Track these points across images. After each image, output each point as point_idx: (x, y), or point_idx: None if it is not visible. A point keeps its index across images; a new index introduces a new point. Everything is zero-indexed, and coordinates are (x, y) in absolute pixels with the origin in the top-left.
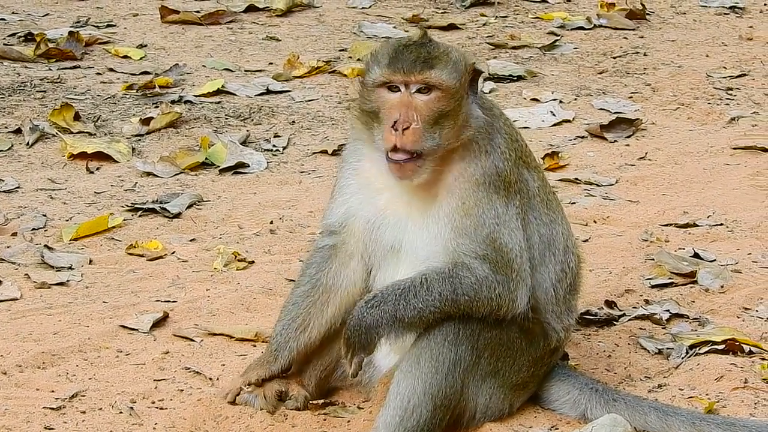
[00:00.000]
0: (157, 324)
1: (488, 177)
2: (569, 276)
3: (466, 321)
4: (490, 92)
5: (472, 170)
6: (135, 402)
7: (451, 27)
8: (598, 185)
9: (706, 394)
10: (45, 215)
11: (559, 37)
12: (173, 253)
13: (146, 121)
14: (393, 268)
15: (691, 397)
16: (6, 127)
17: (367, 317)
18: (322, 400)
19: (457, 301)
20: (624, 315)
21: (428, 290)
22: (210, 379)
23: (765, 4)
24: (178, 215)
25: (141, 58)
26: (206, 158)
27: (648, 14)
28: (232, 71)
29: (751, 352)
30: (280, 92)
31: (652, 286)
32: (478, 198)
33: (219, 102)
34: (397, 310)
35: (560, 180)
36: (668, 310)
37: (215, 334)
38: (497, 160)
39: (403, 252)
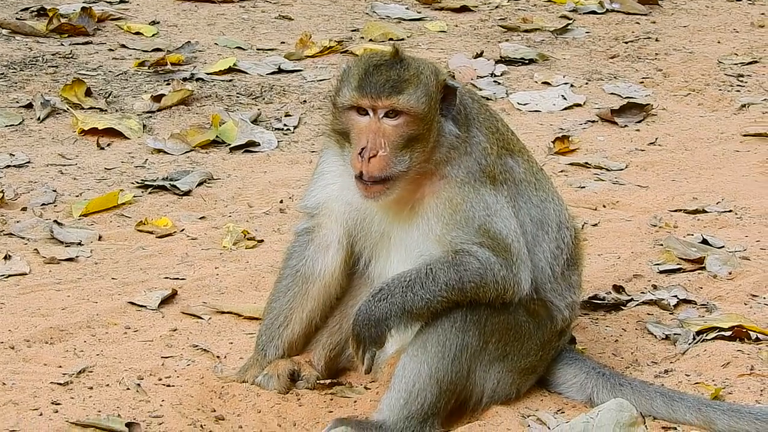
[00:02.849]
0: (166, 301)
1: (472, 175)
2: (565, 252)
3: (474, 307)
4: (501, 75)
5: (455, 172)
6: (142, 378)
7: (464, 9)
8: (608, 170)
9: (713, 380)
10: (55, 190)
11: (571, 21)
12: (183, 230)
13: (157, 98)
14: (385, 257)
15: (697, 383)
16: (17, 102)
17: (375, 311)
18: (329, 380)
19: (464, 288)
20: (632, 300)
21: (434, 280)
22: (218, 357)
23: None
24: (188, 193)
25: (153, 35)
26: (217, 136)
27: (660, 0)
28: (244, 50)
29: (758, 339)
30: (292, 71)
31: (660, 272)
32: (465, 194)
33: (230, 80)
34: (405, 301)
35: (570, 164)
36: (676, 296)
37: (223, 312)
38: (479, 157)
39: (392, 243)
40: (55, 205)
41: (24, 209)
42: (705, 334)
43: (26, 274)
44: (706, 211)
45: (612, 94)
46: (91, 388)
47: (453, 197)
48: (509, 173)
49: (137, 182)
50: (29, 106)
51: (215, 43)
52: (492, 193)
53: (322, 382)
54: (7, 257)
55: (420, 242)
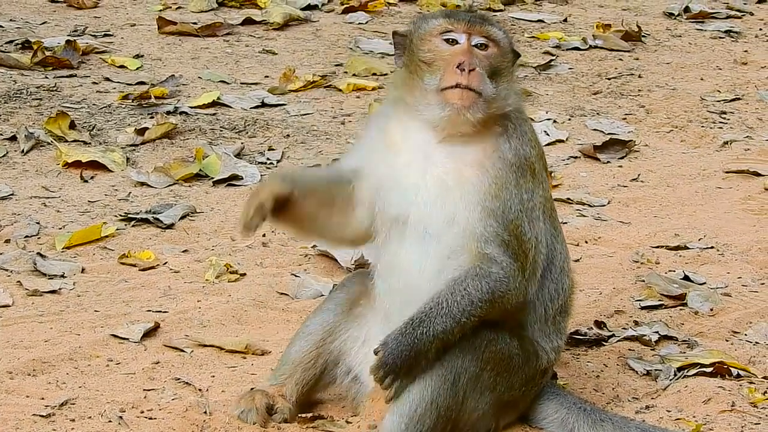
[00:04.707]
0: (148, 334)
1: (519, 159)
2: (561, 297)
3: (475, 332)
4: None
5: (505, 149)
6: (124, 411)
7: None
8: (590, 206)
9: (694, 417)
10: (38, 223)
11: (554, 57)
12: (165, 263)
13: (141, 132)
14: (397, 245)
15: (678, 419)
16: (1, 134)
17: (418, 342)
18: (310, 414)
19: (494, 301)
20: (613, 336)
21: (469, 300)
22: (199, 390)
23: (760, 29)
24: (171, 226)
25: (137, 68)
26: (200, 170)
27: (644, 36)
28: (228, 83)
29: (739, 376)
30: (276, 105)
31: (642, 308)
32: (508, 180)
33: (214, 114)
34: (444, 329)
35: (553, 200)
36: (657, 332)
37: (206, 346)
38: (527, 145)
39: (409, 226)
40: (38, 238)
41: (7, 241)
42: (686, 371)
43: (9, 305)
44: (688, 248)
45: (595, 130)
46: (74, 420)
47: (498, 179)
48: (545, 178)
49: (120, 215)
50: (13, 138)
51: (199, 77)
52: (530, 188)
53: (303, 416)
54: None
55: (444, 225)
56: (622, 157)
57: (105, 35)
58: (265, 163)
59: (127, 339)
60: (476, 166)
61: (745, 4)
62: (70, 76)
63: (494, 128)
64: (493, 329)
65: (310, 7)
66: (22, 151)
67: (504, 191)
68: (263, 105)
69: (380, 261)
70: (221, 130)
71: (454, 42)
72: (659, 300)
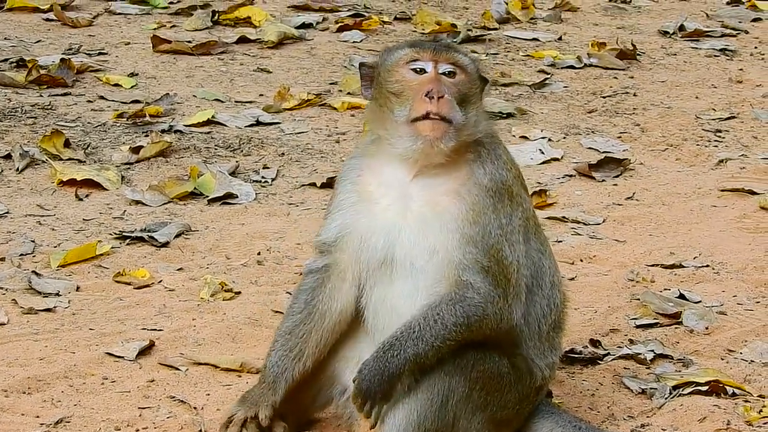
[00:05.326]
0: (143, 352)
1: (495, 184)
2: (554, 312)
3: (461, 352)
4: None
5: (480, 175)
6: (119, 429)
7: None
8: (585, 224)
9: None
10: (33, 241)
11: (549, 76)
12: (160, 281)
13: (136, 150)
14: (387, 285)
15: None
16: None
17: (388, 366)
18: None
19: (470, 325)
20: (608, 354)
21: (443, 324)
22: (194, 408)
23: (755, 47)
24: (166, 244)
25: (132, 87)
26: (195, 188)
27: (639, 54)
28: (223, 102)
29: (734, 394)
30: (270, 124)
31: (637, 326)
32: (485, 206)
33: (209, 132)
34: (417, 353)
35: (547, 218)
36: (652, 350)
37: (201, 364)
38: (502, 169)
39: (396, 264)
40: (33, 256)
41: (2, 259)
42: (681, 389)
43: (4, 324)
44: (683, 266)
45: (590, 148)
46: None
47: (475, 205)
48: (523, 200)
49: (115, 233)
50: (8, 156)
51: (194, 95)
52: (508, 212)
53: None
54: None
55: (427, 256)
56: (617, 176)
57: (100, 53)
58: (260, 181)
59: (122, 357)
60: (452, 195)
61: (740, 22)
62: (65, 94)
63: (467, 155)
64: (481, 349)
65: (304, 26)
66: (17, 169)
67: (482, 216)
68: (258, 123)
69: (370, 303)
70: (216, 149)
71: (421, 71)
72: (654, 318)
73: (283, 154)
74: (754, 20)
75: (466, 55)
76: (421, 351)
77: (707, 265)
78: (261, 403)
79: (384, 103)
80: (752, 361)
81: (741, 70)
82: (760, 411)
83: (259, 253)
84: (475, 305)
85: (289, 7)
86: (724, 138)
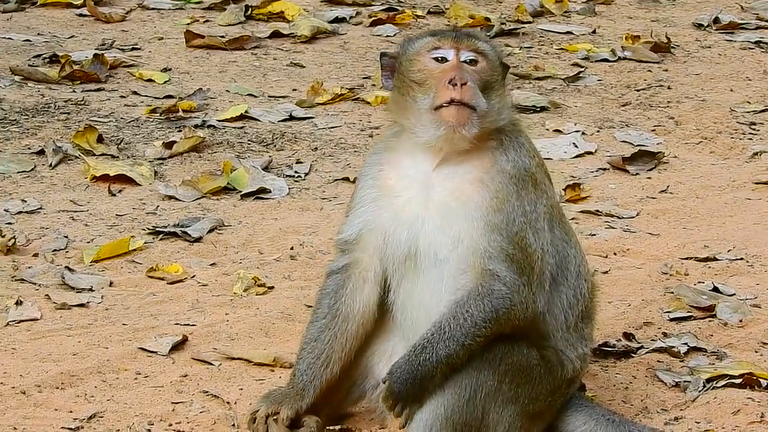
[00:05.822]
0: (176, 347)
1: (519, 171)
2: (581, 303)
3: (489, 346)
4: None
5: (503, 162)
6: (152, 424)
7: None
8: (619, 217)
9: (722, 428)
10: (66, 237)
11: (583, 69)
12: (193, 276)
13: (169, 145)
14: (413, 279)
15: (707, 430)
16: (29, 148)
17: (420, 368)
18: (338, 426)
19: (498, 319)
20: (642, 347)
21: (472, 322)
22: (227, 402)
23: None
24: (199, 239)
25: (165, 82)
26: (228, 183)
27: (673, 47)
28: (256, 97)
29: None
30: (303, 119)
31: (671, 319)
32: (509, 193)
33: (242, 127)
34: (448, 353)
35: (581, 212)
36: (686, 344)
37: (234, 359)
38: (524, 156)
39: (421, 257)
40: (66, 251)
41: (35, 255)
42: (715, 382)
43: (37, 319)
44: (717, 259)
45: (623, 141)
46: None
47: (499, 192)
48: (547, 188)
49: (148, 229)
50: (41, 152)
51: (227, 90)
52: (532, 199)
53: (331, 428)
54: (18, 303)
55: (451, 246)
56: (651, 169)
57: (133, 49)
58: (293, 176)
59: (156, 352)
60: (476, 183)
61: None
62: (98, 89)
63: (490, 143)
64: (508, 341)
65: (338, 20)
66: (50, 165)
67: (506, 204)
68: (291, 118)
69: (398, 298)
70: (249, 144)
71: (443, 59)
72: (688, 311)
73: (316, 148)
74: None
75: (487, 42)
76: (453, 351)
77: (741, 258)
78: (285, 404)
79: (406, 93)
80: None
81: None
82: None
83: (292, 248)
84: (503, 297)
85: (322, 1)
86: (758, 131)
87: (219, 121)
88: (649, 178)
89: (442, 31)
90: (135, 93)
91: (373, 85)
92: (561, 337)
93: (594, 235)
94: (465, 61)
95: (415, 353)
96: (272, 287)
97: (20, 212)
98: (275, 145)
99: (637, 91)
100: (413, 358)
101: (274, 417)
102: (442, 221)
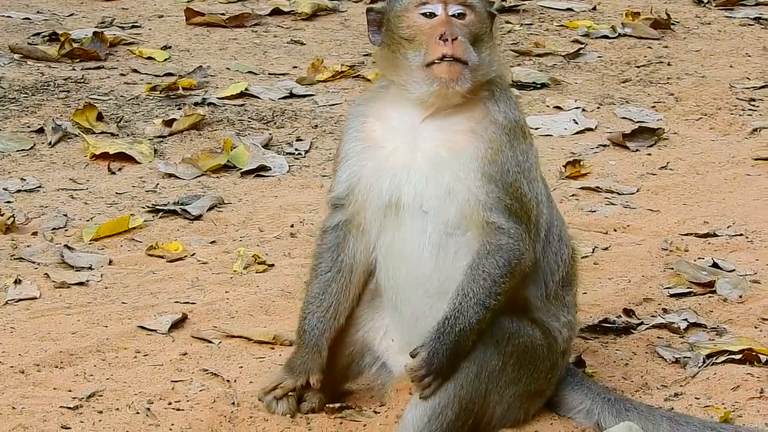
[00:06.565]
0: (176, 325)
1: (510, 122)
2: (562, 269)
3: (497, 324)
4: None
5: (495, 113)
6: (152, 403)
7: None
8: (619, 194)
9: (722, 404)
10: (66, 215)
11: (583, 46)
12: (193, 254)
13: (169, 123)
14: (394, 231)
15: (707, 406)
16: (29, 127)
17: (458, 338)
18: (338, 404)
19: (513, 270)
20: (642, 323)
21: (492, 280)
22: (227, 381)
23: None
24: (198, 217)
25: (165, 60)
26: (228, 161)
27: (673, 24)
28: (256, 74)
29: None
30: (304, 96)
31: (671, 295)
32: (502, 143)
33: (242, 105)
34: (479, 318)
35: (581, 188)
36: (686, 320)
37: (234, 337)
38: (514, 109)
39: (404, 207)
40: (65, 230)
41: (35, 234)
42: (715, 358)
43: (36, 298)
44: (717, 235)
45: (624, 118)
46: (101, 412)
47: (492, 143)
48: (533, 142)
49: (148, 207)
50: (41, 130)
51: (227, 68)
52: (523, 149)
53: (331, 406)
54: (17, 281)
55: (442, 197)
56: (651, 145)
57: (132, 27)
58: (293, 153)
59: (155, 330)
60: (468, 133)
61: None
62: (98, 67)
63: (481, 94)
64: (514, 321)
65: None
66: (50, 143)
67: (500, 155)
68: (291, 95)
69: (378, 253)
70: (249, 121)
71: (431, 15)
72: (688, 287)
73: (316, 126)
74: None
75: None
76: (481, 315)
77: (741, 234)
78: (311, 369)
79: (396, 49)
80: None
81: None
82: None
83: (292, 226)
84: (511, 249)
85: None
86: (758, 107)
87: (219, 98)
88: (649, 154)
89: None
90: (135, 71)
91: (374, 62)
92: (542, 307)
93: (594, 211)
94: (453, 15)
95: (449, 324)
96: (272, 265)
97: (19, 191)
98: (275, 123)
99: (637, 67)
100: (448, 330)
101: (294, 392)
102: (432, 171)
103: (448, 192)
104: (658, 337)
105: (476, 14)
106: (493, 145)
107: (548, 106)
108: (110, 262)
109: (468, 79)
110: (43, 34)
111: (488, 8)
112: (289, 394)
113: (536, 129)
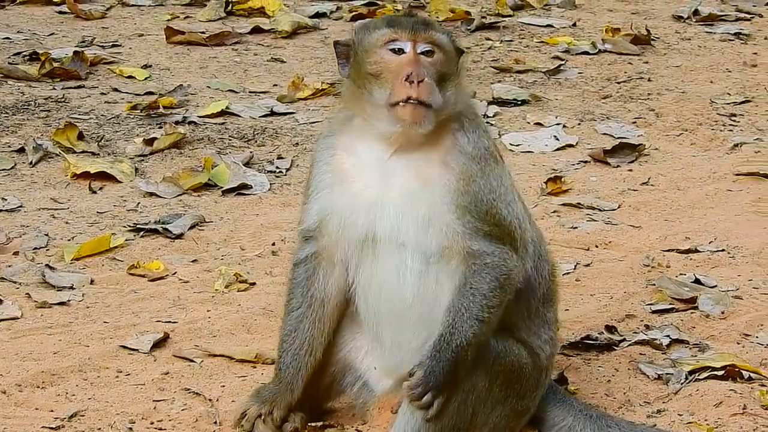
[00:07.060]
0: (158, 344)
1: (479, 151)
2: (543, 286)
3: (483, 349)
4: (494, 116)
5: (464, 143)
6: (134, 422)
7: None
8: (600, 210)
9: (705, 420)
10: (47, 234)
11: (563, 62)
12: (174, 273)
13: (150, 142)
14: (371, 265)
15: (690, 422)
16: (9, 146)
17: (455, 354)
18: (320, 423)
19: (503, 286)
20: (624, 340)
21: (482, 294)
22: (209, 400)
23: None
24: (180, 236)
25: (145, 79)
26: (209, 179)
27: (653, 40)
28: (237, 92)
29: (750, 379)
30: (284, 114)
31: (653, 312)
32: (473, 173)
33: (223, 123)
34: (475, 332)
35: (562, 204)
36: (668, 336)
37: (215, 356)
38: (483, 138)
39: (380, 241)
40: (47, 249)
41: (16, 253)
42: (697, 374)
43: (18, 318)
44: (698, 251)
45: (604, 134)
46: None
47: (463, 174)
48: (507, 167)
49: (129, 226)
50: (21, 150)
51: (207, 86)
52: (498, 174)
53: (313, 425)
54: None
55: (419, 230)
56: (632, 161)
57: (113, 46)
58: (274, 171)
59: (137, 350)
60: (439, 166)
61: (754, 6)
62: (78, 87)
63: (449, 126)
64: (499, 340)
65: (318, 15)
66: (31, 162)
67: (472, 185)
68: (272, 113)
69: (358, 286)
70: (230, 139)
71: (400, 51)
72: (670, 303)
73: (297, 144)
74: None
75: (443, 31)
76: (477, 329)
77: (723, 250)
78: (277, 402)
79: (362, 84)
80: None
81: (755, 54)
82: None
83: (273, 244)
84: (497, 266)
85: None
86: (738, 122)
87: (200, 117)
88: (630, 170)
89: (399, 20)
90: (115, 90)
91: (339, 93)
92: (524, 326)
93: (575, 227)
94: (422, 53)
95: (446, 341)
96: (254, 283)
97: (0, 210)
98: (256, 141)
99: (618, 83)
100: (444, 347)
101: (265, 417)
102: (406, 205)
103: (426, 224)
104: (641, 354)
105: (444, 53)
106: (464, 176)
107: (529, 123)
108: (92, 282)
109: (431, 121)
110: (24, 53)
111: (457, 45)
112: (261, 420)
113: (517, 145)
